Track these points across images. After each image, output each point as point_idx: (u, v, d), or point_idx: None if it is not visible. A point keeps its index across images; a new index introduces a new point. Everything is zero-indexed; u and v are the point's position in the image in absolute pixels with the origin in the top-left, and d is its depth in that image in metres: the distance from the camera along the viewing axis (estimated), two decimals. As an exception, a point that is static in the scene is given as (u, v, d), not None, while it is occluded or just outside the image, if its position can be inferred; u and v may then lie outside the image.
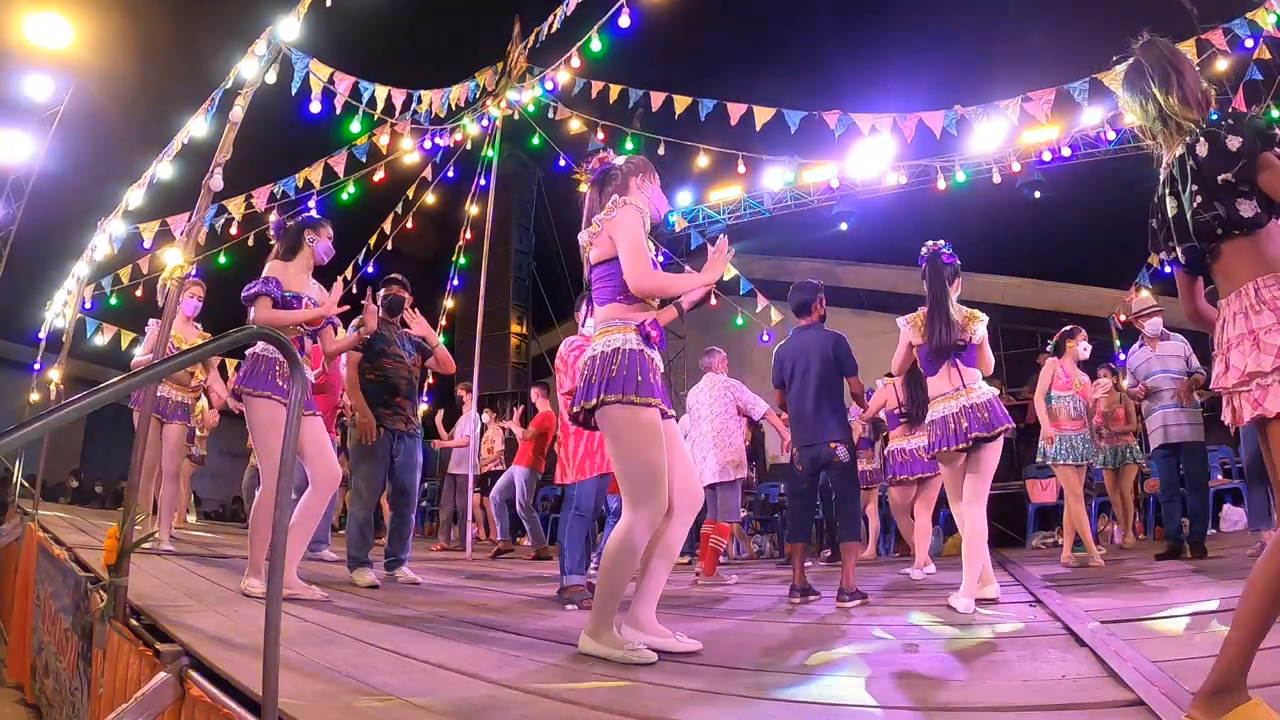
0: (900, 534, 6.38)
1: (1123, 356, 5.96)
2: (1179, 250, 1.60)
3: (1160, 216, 1.66)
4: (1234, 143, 1.47)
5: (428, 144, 8.89)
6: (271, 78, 4.30)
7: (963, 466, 3.52)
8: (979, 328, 3.53)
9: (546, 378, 11.23)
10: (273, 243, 3.56)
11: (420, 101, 8.11)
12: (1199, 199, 1.51)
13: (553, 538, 8.00)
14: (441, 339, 4.76)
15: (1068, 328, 5.35)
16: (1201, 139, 1.53)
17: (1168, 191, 1.61)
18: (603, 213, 2.44)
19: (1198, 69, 1.69)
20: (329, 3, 4.29)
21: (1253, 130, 1.46)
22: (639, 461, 2.26)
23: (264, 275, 3.33)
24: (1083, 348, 5.20)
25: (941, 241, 3.67)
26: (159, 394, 4.85)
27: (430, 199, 9.74)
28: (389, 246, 9.75)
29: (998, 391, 3.57)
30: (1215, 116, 1.55)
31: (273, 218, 8.01)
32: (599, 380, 2.28)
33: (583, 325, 4.10)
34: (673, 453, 2.38)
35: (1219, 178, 1.48)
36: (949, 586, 3.47)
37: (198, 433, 7.70)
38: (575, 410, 2.37)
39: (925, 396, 5.23)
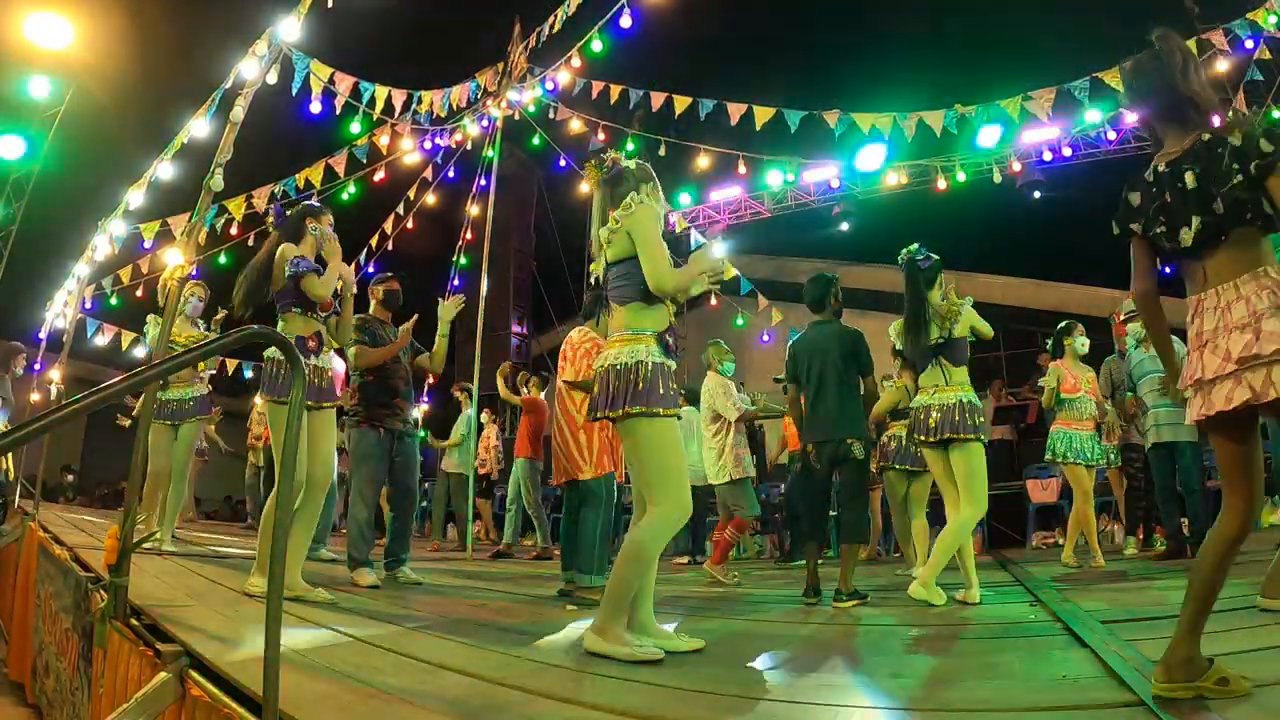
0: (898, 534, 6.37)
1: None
2: (1197, 220, 1.60)
3: (1155, 191, 1.67)
4: (1266, 146, 1.53)
5: (428, 144, 8.90)
6: (272, 78, 4.30)
7: (945, 460, 3.58)
8: (960, 321, 3.57)
9: (546, 375, 11.23)
10: (272, 230, 3.54)
11: (420, 102, 8.12)
12: (1239, 177, 1.54)
13: (553, 537, 7.99)
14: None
15: (1062, 325, 5.25)
16: (1236, 129, 1.57)
17: (1184, 167, 1.62)
18: (620, 210, 2.44)
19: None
20: (330, 3, 4.29)
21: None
22: (664, 468, 2.32)
23: (296, 256, 3.26)
24: (1080, 343, 5.17)
25: (915, 245, 3.69)
26: (170, 399, 4.83)
27: (430, 199, 9.74)
28: (389, 247, 9.76)
29: (978, 400, 3.59)
30: (1255, 117, 1.66)
31: (270, 215, 8.02)
32: (623, 392, 2.31)
33: (594, 324, 4.05)
34: None
35: (1253, 166, 1.53)
36: (947, 587, 3.47)
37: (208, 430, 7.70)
38: (598, 417, 2.40)
39: None
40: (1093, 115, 8.77)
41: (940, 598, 3.34)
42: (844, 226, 12.78)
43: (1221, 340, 1.57)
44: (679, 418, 2.40)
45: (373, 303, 4.47)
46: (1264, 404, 1.53)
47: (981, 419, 3.56)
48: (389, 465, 4.28)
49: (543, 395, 7.47)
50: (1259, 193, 1.54)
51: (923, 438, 3.56)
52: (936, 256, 3.69)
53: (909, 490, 5.38)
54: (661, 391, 2.31)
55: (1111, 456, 5.79)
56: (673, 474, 2.32)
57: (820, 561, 3.87)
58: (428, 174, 9.53)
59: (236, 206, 7.99)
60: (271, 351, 3.21)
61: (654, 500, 2.32)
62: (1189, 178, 1.61)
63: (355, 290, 3.56)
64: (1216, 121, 1.66)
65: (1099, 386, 5.27)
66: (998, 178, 10.16)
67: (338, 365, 3.46)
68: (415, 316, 4.41)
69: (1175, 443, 4.92)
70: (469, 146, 9.46)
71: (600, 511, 3.75)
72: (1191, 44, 6.90)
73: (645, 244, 2.36)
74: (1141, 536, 5.78)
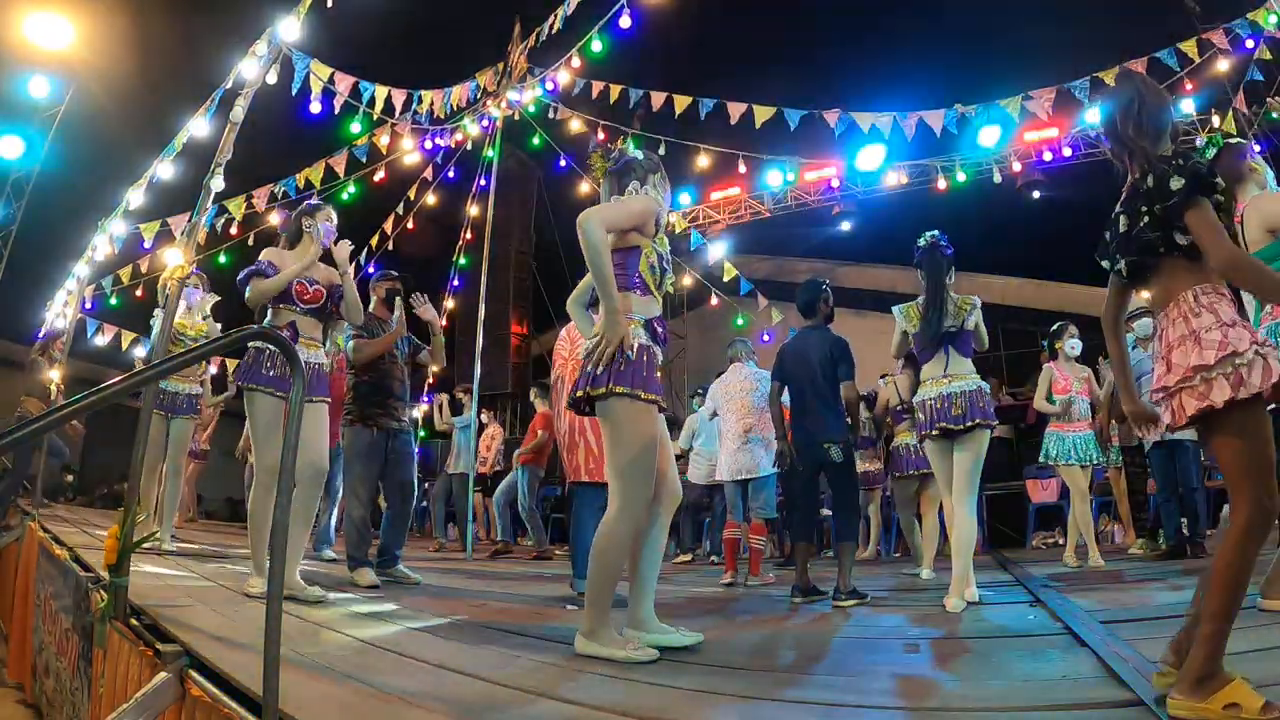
0: (901, 534, 6.38)
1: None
2: (1124, 262, 1.76)
3: (1113, 230, 1.80)
4: (1176, 183, 1.62)
5: (428, 144, 8.90)
6: (272, 78, 4.30)
7: (950, 458, 3.50)
8: (973, 314, 3.56)
9: (546, 378, 11.21)
10: (281, 238, 3.58)
11: (421, 101, 8.13)
12: (1147, 219, 1.67)
13: (552, 538, 8.00)
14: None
15: (1055, 327, 5.31)
16: (1153, 171, 1.68)
17: (1123, 210, 1.76)
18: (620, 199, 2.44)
19: (1170, 105, 1.84)
20: (329, 3, 4.29)
21: (1192, 175, 1.61)
22: (636, 456, 2.25)
23: (258, 260, 3.34)
24: (1070, 345, 5.18)
25: (937, 232, 3.69)
26: (167, 389, 4.88)
27: (431, 199, 9.75)
28: (389, 247, 9.76)
29: (987, 386, 3.56)
30: (1168, 154, 1.71)
31: (273, 218, 8.03)
32: (605, 369, 2.26)
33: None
34: (661, 449, 2.38)
35: (1157, 207, 1.65)
36: (946, 587, 3.47)
37: (200, 431, 7.72)
38: (578, 395, 2.34)
39: None
40: (1093, 115, 8.77)
41: (975, 593, 3.29)
42: (844, 226, 12.77)
43: (1155, 366, 1.71)
44: (662, 408, 2.34)
45: (374, 300, 4.48)
46: (1181, 426, 1.64)
47: (991, 405, 3.54)
48: (384, 463, 4.27)
49: (546, 404, 7.46)
50: (1168, 229, 1.64)
51: (947, 425, 3.41)
52: (952, 250, 3.69)
53: (918, 492, 5.38)
54: (645, 374, 2.26)
55: (1112, 456, 5.80)
56: (640, 468, 2.25)
57: (811, 561, 3.88)
58: (428, 174, 9.53)
59: (236, 206, 8.00)
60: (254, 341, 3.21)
61: (615, 493, 2.25)
62: (1122, 221, 1.75)
63: (349, 267, 3.55)
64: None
65: (1100, 388, 5.28)
66: (998, 178, 10.17)
67: (317, 358, 3.43)
68: (424, 302, 4.41)
69: (1178, 441, 4.91)
70: (469, 146, 9.47)
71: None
72: (1190, 45, 6.94)
73: (615, 204, 2.35)
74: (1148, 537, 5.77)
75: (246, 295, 3.27)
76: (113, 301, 8.84)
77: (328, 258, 3.48)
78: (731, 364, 5.31)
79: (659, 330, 2.37)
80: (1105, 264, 1.84)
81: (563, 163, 9.30)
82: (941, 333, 3.51)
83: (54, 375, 6.83)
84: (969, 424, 3.38)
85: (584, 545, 3.78)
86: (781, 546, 7.24)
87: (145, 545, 3.08)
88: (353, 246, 3.61)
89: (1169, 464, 4.99)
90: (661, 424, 2.39)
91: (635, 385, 2.24)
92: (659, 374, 2.34)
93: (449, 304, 10.38)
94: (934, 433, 3.48)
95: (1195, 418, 1.59)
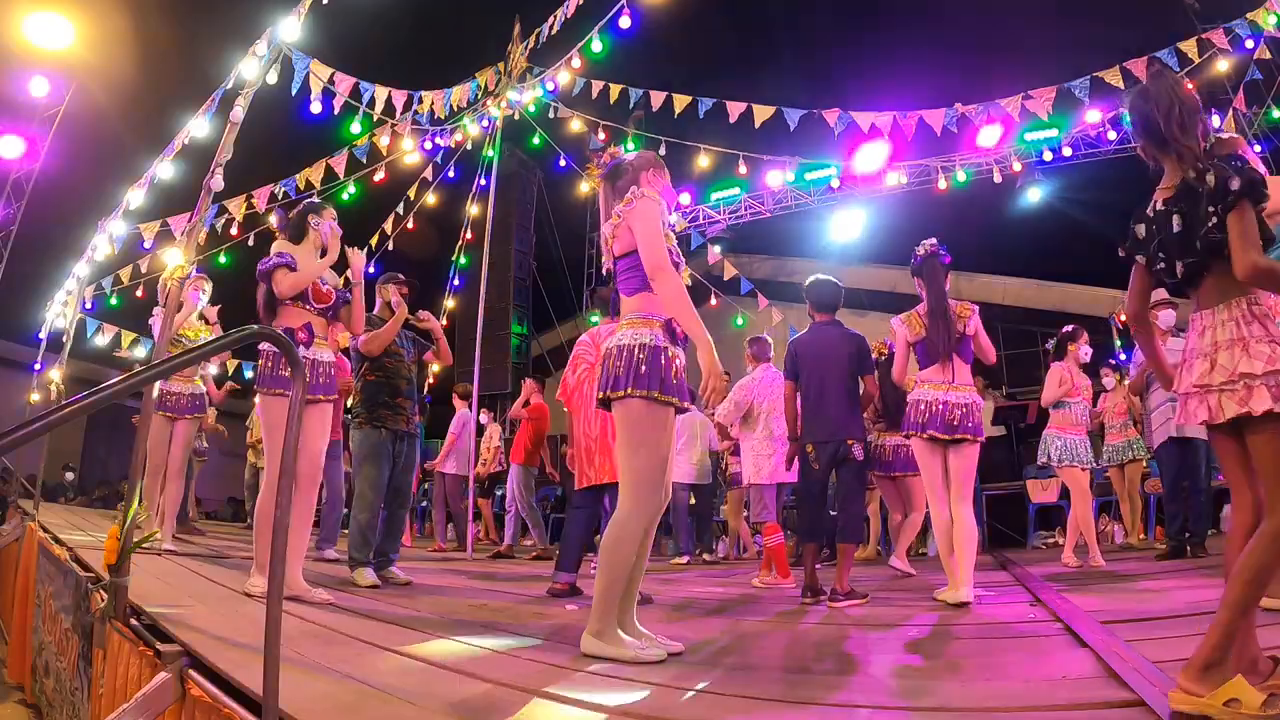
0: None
1: (1123, 356, 5.93)
2: (1180, 263, 1.73)
3: (1154, 228, 1.79)
4: (1235, 183, 1.62)
5: (428, 144, 8.90)
6: (272, 78, 4.30)
7: (940, 459, 3.52)
8: (972, 320, 3.58)
9: (546, 377, 11.22)
10: (277, 235, 3.57)
11: (421, 102, 8.13)
12: (1214, 219, 1.65)
13: (552, 538, 8.00)
14: None
15: (1069, 329, 5.28)
16: (1211, 171, 1.66)
17: (1175, 209, 1.73)
18: (621, 204, 2.43)
19: (1199, 100, 1.82)
20: (326, 1, 4.29)
21: (1249, 180, 1.62)
22: (649, 457, 2.26)
23: (276, 251, 3.32)
24: (1084, 351, 5.16)
25: (934, 240, 3.69)
26: (170, 390, 4.89)
27: (431, 199, 9.75)
28: (390, 247, 9.76)
29: (983, 401, 3.56)
30: (1225, 155, 1.71)
31: (273, 218, 8.02)
32: (625, 372, 2.28)
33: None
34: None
35: (1219, 206, 1.64)
36: (943, 585, 3.47)
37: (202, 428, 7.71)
38: (600, 396, 2.36)
39: (900, 398, 5.20)
40: (1093, 115, 8.78)
41: (969, 594, 3.30)
42: (845, 226, 12.77)
43: (1194, 361, 1.72)
44: (680, 409, 2.34)
45: (379, 301, 4.48)
46: (1218, 425, 1.66)
47: (982, 420, 3.57)
48: (391, 465, 4.28)
49: (541, 398, 7.48)
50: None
51: (936, 434, 3.44)
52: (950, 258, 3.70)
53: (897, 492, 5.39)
54: (663, 376, 2.27)
55: (1108, 456, 5.81)
56: (655, 469, 2.26)
57: (819, 564, 3.87)
58: (428, 174, 9.53)
59: (237, 206, 8.00)
60: (265, 343, 3.21)
61: (628, 494, 2.26)
62: (1175, 220, 1.73)
63: (363, 278, 3.57)
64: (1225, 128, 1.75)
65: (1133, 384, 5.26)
66: (998, 178, 10.18)
67: (328, 357, 3.43)
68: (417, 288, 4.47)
69: (1189, 439, 4.88)
70: (469, 146, 9.46)
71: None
72: (1190, 45, 6.94)
73: (644, 236, 2.35)
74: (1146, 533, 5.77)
75: (277, 287, 3.25)
76: (113, 301, 8.85)
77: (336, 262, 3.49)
78: (765, 363, 5.23)
79: (678, 330, 2.36)
80: (1140, 258, 1.83)
81: (563, 163, 9.31)
82: (950, 346, 3.52)
83: (54, 375, 6.83)
84: (958, 436, 3.42)
85: (573, 541, 3.92)
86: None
87: (145, 545, 3.08)
88: (364, 258, 3.63)
89: (1180, 461, 4.95)
90: (671, 426, 2.38)
91: (652, 387, 2.25)
92: (679, 375, 2.33)
93: (449, 304, 10.39)
94: (926, 436, 3.48)
95: (1233, 420, 1.61)
